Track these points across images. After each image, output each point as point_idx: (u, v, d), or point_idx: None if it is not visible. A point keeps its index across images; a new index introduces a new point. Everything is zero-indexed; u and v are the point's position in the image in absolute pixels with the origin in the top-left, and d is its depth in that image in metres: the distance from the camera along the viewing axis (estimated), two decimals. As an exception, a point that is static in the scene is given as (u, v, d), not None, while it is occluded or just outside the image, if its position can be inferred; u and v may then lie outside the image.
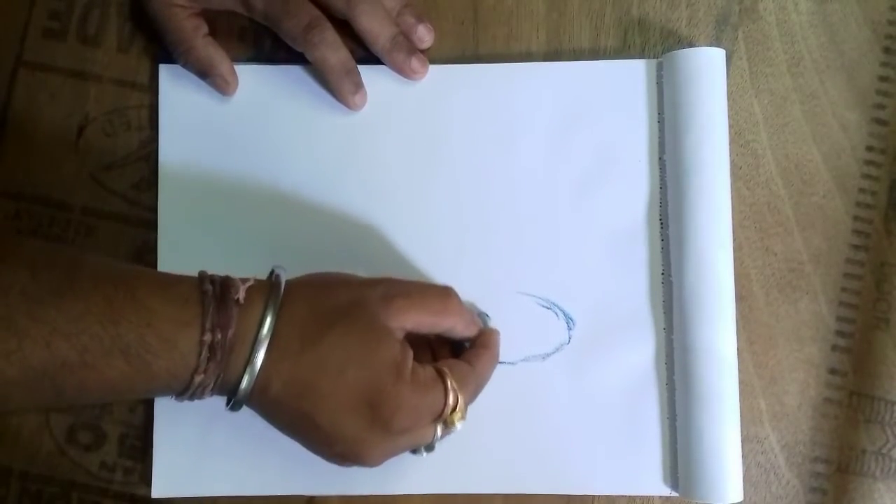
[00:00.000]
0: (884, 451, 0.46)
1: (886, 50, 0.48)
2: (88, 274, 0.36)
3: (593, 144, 0.48)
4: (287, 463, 0.45)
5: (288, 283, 0.39)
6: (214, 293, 0.37)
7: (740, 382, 0.45)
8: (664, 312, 0.46)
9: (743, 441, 0.45)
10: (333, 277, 0.41)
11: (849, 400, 0.47)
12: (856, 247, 0.47)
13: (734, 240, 0.46)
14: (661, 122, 0.47)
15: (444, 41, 0.49)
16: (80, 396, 0.36)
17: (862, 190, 0.48)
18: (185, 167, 0.48)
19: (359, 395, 0.37)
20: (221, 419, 0.45)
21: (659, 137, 0.47)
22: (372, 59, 0.48)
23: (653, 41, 0.49)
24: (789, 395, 0.47)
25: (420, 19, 0.48)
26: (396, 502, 0.46)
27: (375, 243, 0.47)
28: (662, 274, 0.47)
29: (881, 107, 0.48)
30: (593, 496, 0.46)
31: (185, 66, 0.47)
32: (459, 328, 0.42)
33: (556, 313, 0.47)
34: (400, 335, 0.39)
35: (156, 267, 0.47)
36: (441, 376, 0.39)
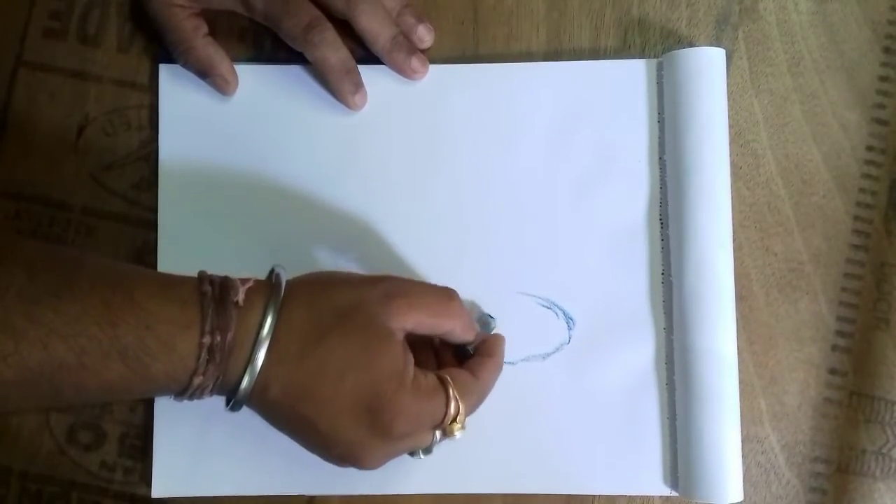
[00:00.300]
0: (884, 451, 0.46)
1: (886, 50, 0.48)
2: (86, 275, 0.36)
3: (593, 144, 0.48)
4: (287, 463, 0.45)
5: (288, 283, 0.39)
6: (214, 295, 0.37)
7: (740, 382, 0.45)
8: (664, 312, 0.47)
9: (743, 441, 0.45)
10: (334, 276, 0.41)
11: (849, 400, 0.47)
12: (856, 247, 0.47)
13: (734, 240, 0.46)
14: (661, 122, 0.47)
15: (444, 41, 0.49)
16: (78, 397, 0.36)
17: (862, 190, 0.48)
18: (185, 167, 0.48)
19: (358, 400, 0.37)
20: (221, 419, 0.45)
21: (659, 137, 0.47)
22: (372, 59, 0.48)
23: (653, 41, 0.49)
24: (789, 395, 0.47)
25: (420, 19, 0.48)
26: (396, 502, 0.46)
27: (375, 243, 0.47)
28: (662, 274, 0.47)
29: (881, 107, 0.48)
30: (593, 496, 0.46)
31: (185, 66, 0.47)
32: (458, 331, 0.42)
33: (556, 313, 0.47)
34: (400, 336, 0.39)
35: (156, 267, 0.47)
36: (443, 385, 0.39)
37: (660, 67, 0.48)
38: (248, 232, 0.47)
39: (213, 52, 0.47)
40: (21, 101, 0.49)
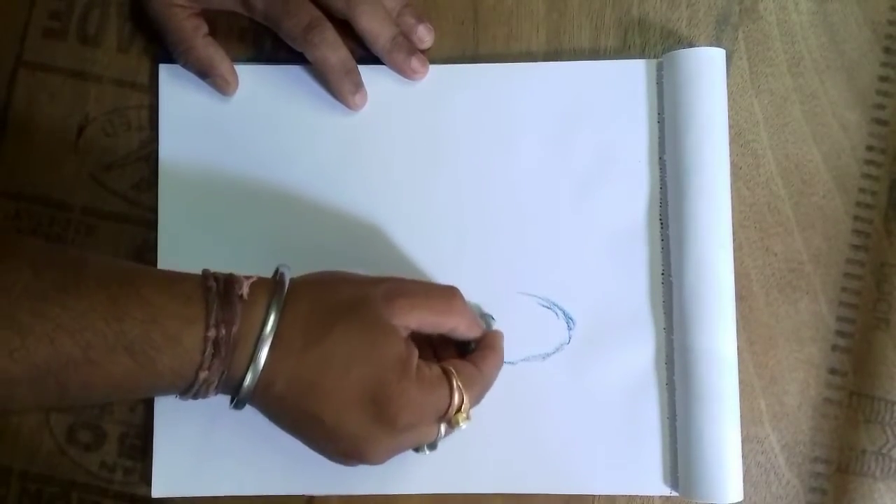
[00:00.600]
0: (884, 451, 0.46)
1: (886, 50, 0.48)
2: (92, 271, 0.36)
3: (593, 144, 0.48)
4: (287, 463, 0.45)
5: (292, 281, 0.39)
6: (218, 290, 0.37)
7: (740, 382, 0.45)
8: (664, 312, 0.47)
9: (743, 441, 0.45)
10: (337, 276, 0.41)
11: (849, 400, 0.47)
12: (856, 247, 0.47)
13: (734, 240, 0.46)
14: (661, 122, 0.47)
15: (444, 41, 0.49)
16: (85, 395, 0.36)
17: (862, 190, 0.48)
18: (185, 167, 0.48)
19: (363, 392, 0.37)
20: (221, 418, 0.45)
21: (659, 137, 0.47)
22: (372, 59, 0.48)
23: (653, 41, 0.49)
24: (789, 395, 0.47)
25: (420, 19, 0.48)
26: (396, 502, 0.46)
27: (375, 244, 0.47)
28: (662, 274, 0.47)
29: (881, 107, 0.48)
30: (593, 496, 0.46)
31: (185, 66, 0.47)
32: (462, 328, 0.42)
33: (557, 313, 0.47)
34: (404, 333, 0.39)
35: (156, 267, 0.47)
36: (447, 375, 0.39)
37: (660, 67, 0.48)
38: (248, 232, 0.47)
39: (213, 52, 0.47)
40: (21, 101, 0.49)
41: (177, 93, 0.48)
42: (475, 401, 0.41)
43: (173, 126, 0.48)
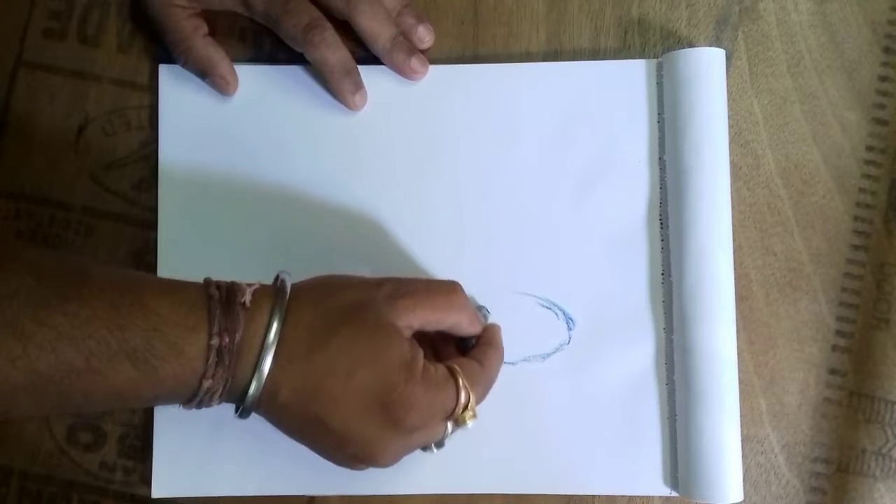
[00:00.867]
0: (884, 451, 0.46)
1: (886, 50, 0.48)
2: (95, 280, 0.36)
3: (593, 144, 0.48)
4: (287, 463, 0.45)
5: (293, 287, 0.39)
6: (220, 298, 0.37)
7: (740, 382, 0.45)
8: (664, 312, 0.47)
9: (743, 441, 0.45)
10: (338, 279, 0.41)
11: (849, 400, 0.47)
12: (856, 247, 0.47)
13: (734, 240, 0.46)
14: (661, 122, 0.47)
15: (444, 41, 0.49)
16: (87, 403, 0.36)
17: (862, 190, 0.48)
18: (185, 167, 0.48)
19: (370, 395, 0.37)
20: (221, 419, 0.45)
21: (659, 137, 0.47)
22: (372, 59, 0.48)
23: (653, 41, 0.49)
24: (789, 395, 0.47)
25: (420, 19, 0.48)
26: (397, 502, 0.46)
27: (375, 243, 0.47)
28: (662, 274, 0.47)
29: (881, 107, 0.48)
30: (593, 496, 0.46)
31: (185, 66, 0.47)
32: (464, 324, 0.42)
33: (556, 313, 0.47)
34: (408, 334, 0.39)
35: (155, 267, 0.47)
36: (453, 374, 0.39)
37: (659, 68, 0.48)
38: (248, 232, 0.47)
39: (213, 52, 0.47)
40: (21, 101, 0.49)
41: (177, 93, 0.48)
42: (480, 397, 0.41)
43: (173, 126, 0.48)
